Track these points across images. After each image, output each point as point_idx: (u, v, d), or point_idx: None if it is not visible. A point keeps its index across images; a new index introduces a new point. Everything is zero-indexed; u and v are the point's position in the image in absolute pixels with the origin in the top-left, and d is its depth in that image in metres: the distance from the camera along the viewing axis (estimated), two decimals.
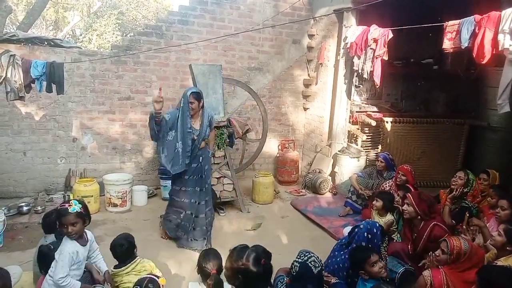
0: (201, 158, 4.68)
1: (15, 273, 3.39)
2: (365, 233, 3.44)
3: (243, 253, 2.51)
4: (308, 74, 7.66)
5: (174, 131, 4.50)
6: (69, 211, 2.91)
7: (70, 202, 3.01)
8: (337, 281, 3.15)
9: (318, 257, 2.88)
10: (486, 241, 3.82)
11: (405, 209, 3.90)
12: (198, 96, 4.51)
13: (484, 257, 3.15)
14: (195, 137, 4.58)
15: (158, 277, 2.75)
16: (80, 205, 3.00)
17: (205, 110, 4.69)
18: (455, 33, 4.52)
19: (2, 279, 2.56)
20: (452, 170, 6.74)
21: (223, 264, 2.77)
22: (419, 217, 3.83)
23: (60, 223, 2.99)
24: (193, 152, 4.61)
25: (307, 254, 2.87)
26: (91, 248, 3.28)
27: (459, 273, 2.99)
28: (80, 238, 3.05)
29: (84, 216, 3.04)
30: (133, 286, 2.62)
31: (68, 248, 2.93)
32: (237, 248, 2.60)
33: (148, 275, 2.74)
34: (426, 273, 3.12)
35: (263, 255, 2.55)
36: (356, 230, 3.53)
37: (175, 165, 4.55)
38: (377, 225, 3.56)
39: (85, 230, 3.15)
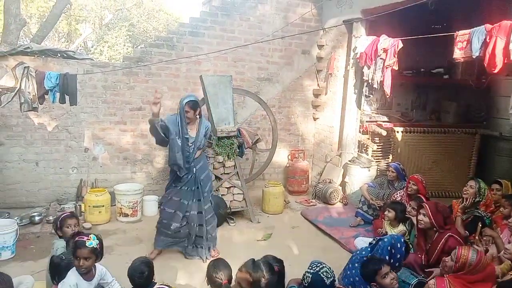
0: (194, 169, 4.56)
1: (27, 283, 3.42)
2: (389, 247, 3.38)
3: (258, 268, 2.49)
4: (318, 84, 7.67)
5: (178, 137, 4.40)
6: (86, 245, 2.92)
7: (89, 236, 3.01)
8: None
9: (330, 267, 2.86)
10: (499, 251, 3.76)
11: (421, 219, 3.84)
12: (194, 105, 4.36)
13: (495, 273, 3.09)
14: (190, 144, 4.47)
15: (170, 287, 2.73)
16: (97, 241, 3.00)
17: (202, 120, 4.59)
18: (466, 43, 4.50)
19: (3, 284, 2.55)
20: (464, 180, 6.67)
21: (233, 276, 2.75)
22: (434, 228, 3.78)
23: (73, 254, 2.99)
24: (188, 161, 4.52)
25: (319, 264, 2.85)
26: (104, 279, 3.23)
27: (468, 284, 2.95)
28: (87, 273, 3.03)
29: (98, 253, 3.04)
30: None
31: (70, 280, 2.93)
32: (248, 264, 2.56)
33: (160, 285, 2.72)
34: (431, 281, 3.11)
35: (275, 263, 2.55)
36: (379, 243, 3.48)
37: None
38: (402, 240, 3.49)
39: (96, 264, 3.12)
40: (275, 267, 2.53)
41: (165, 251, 4.82)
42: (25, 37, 14.37)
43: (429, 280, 3.27)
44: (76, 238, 3.04)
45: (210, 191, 4.85)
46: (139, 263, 3.16)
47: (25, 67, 4.83)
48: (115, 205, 5.98)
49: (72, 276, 2.95)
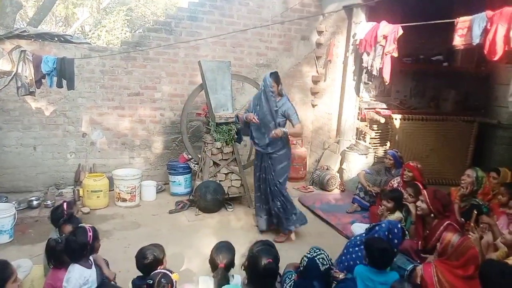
0: (269, 148, 4.74)
1: (26, 266, 3.41)
2: (386, 232, 3.41)
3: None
4: (317, 71, 7.63)
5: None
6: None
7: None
8: (346, 277, 3.15)
9: (328, 255, 2.89)
10: (495, 239, 3.79)
11: (419, 205, 3.88)
12: (276, 78, 4.55)
13: (477, 257, 3.15)
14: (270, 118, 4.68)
15: (171, 272, 2.74)
16: None
17: (284, 98, 4.71)
18: (467, 30, 4.48)
19: None
20: (461, 168, 6.71)
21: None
22: (432, 214, 3.81)
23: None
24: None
25: (317, 251, 2.88)
26: None
27: (452, 269, 3.02)
28: (85, 262, 3.05)
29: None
30: (147, 281, 2.62)
31: (74, 274, 2.93)
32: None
33: (162, 270, 2.74)
34: (419, 267, 3.20)
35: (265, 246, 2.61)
36: (376, 228, 3.50)
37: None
38: (399, 225, 3.52)
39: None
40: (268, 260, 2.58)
41: (164, 236, 4.84)
42: (22, 20, 14.17)
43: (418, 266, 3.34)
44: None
45: (281, 182, 4.83)
46: (145, 249, 3.13)
47: (21, 51, 4.79)
48: (113, 190, 5.99)
49: (76, 269, 2.94)
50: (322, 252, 2.89)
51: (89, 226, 3.12)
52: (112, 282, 3.35)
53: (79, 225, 3.18)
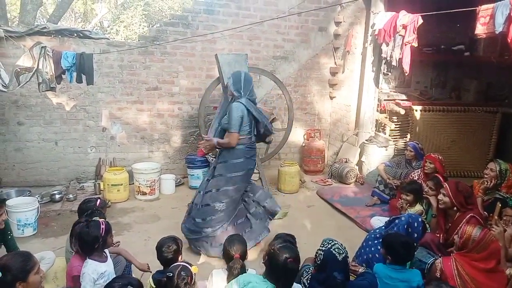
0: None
1: (49, 258, 3.50)
2: (405, 226, 3.36)
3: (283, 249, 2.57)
4: (335, 62, 7.55)
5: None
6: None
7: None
8: (365, 270, 3.12)
9: (341, 244, 2.86)
10: None
11: (441, 199, 3.79)
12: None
13: (499, 250, 3.07)
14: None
15: (191, 264, 2.76)
16: None
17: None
18: (489, 18, 4.36)
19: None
20: (484, 159, 6.58)
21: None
22: (455, 208, 3.73)
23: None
24: None
25: (330, 242, 2.85)
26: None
27: (472, 262, 2.96)
28: (100, 256, 3.03)
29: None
30: (166, 273, 2.63)
31: (87, 269, 2.90)
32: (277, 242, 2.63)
33: (181, 263, 2.75)
34: (438, 260, 3.13)
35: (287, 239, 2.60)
36: (396, 221, 3.45)
37: None
38: (419, 219, 3.45)
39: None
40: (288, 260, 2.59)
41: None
42: (42, 17, 14.44)
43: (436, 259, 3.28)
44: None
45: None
46: (167, 239, 3.16)
47: (42, 47, 4.85)
48: (133, 183, 6.07)
49: (88, 265, 2.92)
50: (335, 242, 2.85)
51: (102, 220, 3.10)
52: (147, 272, 3.36)
53: (93, 218, 3.18)
